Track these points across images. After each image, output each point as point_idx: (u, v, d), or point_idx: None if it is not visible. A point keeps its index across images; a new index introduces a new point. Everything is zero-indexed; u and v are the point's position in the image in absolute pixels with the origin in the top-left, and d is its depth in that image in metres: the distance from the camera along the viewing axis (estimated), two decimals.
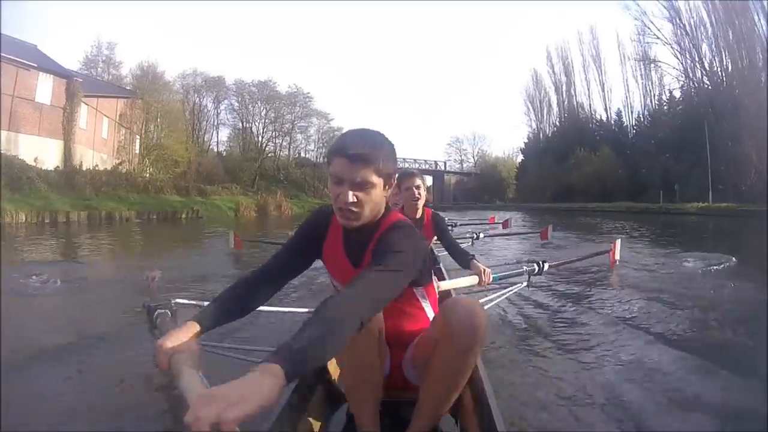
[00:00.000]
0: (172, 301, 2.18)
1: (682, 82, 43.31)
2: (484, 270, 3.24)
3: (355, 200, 1.41)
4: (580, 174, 47.51)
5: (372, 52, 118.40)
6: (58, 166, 25.73)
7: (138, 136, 36.63)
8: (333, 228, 1.62)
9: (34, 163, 23.49)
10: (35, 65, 25.14)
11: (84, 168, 26.93)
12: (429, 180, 72.76)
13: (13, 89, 23.70)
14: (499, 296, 3.50)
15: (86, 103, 29.26)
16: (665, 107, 45.89)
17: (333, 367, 1.98)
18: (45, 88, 26.13)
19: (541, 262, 3.69)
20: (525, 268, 3.67)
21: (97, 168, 27.92)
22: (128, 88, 38.70)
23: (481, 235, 7.83)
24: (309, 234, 1.66)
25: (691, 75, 42.13)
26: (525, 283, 3.67)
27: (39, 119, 25.55)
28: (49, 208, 20.31)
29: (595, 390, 2.50)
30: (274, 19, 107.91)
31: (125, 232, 16.36)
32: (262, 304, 1.61)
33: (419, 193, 3.48)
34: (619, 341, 3.37)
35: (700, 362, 2.85)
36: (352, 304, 1.19)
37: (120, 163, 30.36)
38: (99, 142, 31.29)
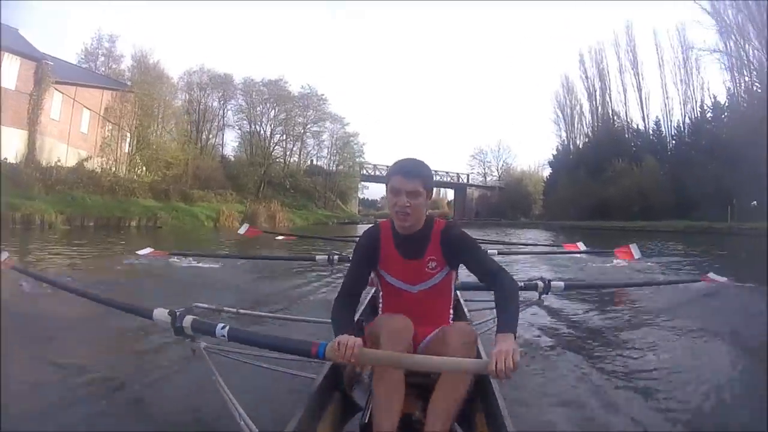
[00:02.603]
0: (193, 305, 2.55)
1: (729, 87, 38.86)
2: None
3: (409, 204, 2.00)
4: (618, 188, 42.25)
5: (392, 55, 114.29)
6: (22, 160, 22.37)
7: (128, 133, 32.87)
8: (384, 237, 2.17)
9: None
10: None
11: (45, 164, 23.36)
12: (450, 193, 68.95)
13: None
14: None
15: (60, 91, 25.68)
16: (709, 114, 40.89)
17: (348, 377, 2.11)
18: (11, 72, 22.75)
19: (548, 281, 3.65)
20: (538, 284, 3.62)
21: (58, 164, 24.13)
22: (120, 80, 35.16)
23: (493, 250, 7.25)
24: (365, 252, 2.17)
25: (738, 79, 37.93)
26: (536, 301, 3.72)
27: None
28: None
29: (609, 411, 2.52)
30: (290, 18, 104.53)
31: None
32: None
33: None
34: (639, 366, 3.28)
35: None
36: (512, 280, 1.99)
37: (86, 159, 26.43)
38: (76, 137, 27.66)
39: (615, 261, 8.23)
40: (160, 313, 2.11)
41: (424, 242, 2.10)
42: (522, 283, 3.57)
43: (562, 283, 3.79)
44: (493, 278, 2.00)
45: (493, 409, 1.81)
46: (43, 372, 2.90)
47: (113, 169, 29.30)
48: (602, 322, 4.68)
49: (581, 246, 8.80)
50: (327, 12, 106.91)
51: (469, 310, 3.50)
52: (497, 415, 1.73)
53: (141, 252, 7.16)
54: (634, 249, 7.20)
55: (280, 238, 13.27)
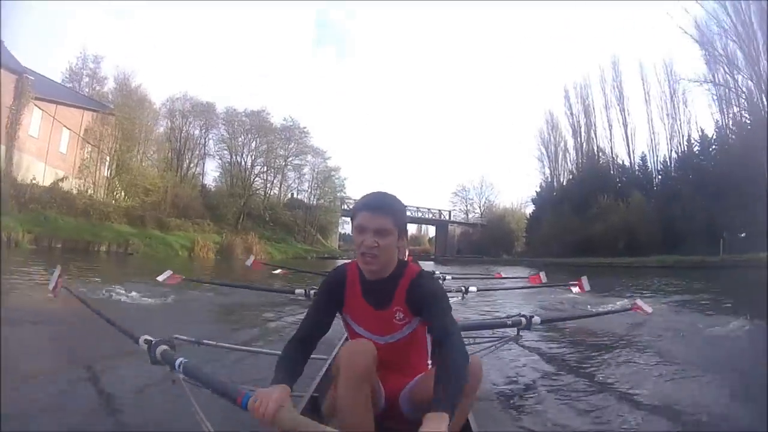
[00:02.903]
0: (173, 336, 2.43)
1: (717, 119, 39.48)
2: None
3: (376, 245, 1.78)
4: (604, 224, 42.13)
5: (375, 91, 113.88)
6: None
7: (108, 156, 31.69)
8: (350, 282, 1.95)
9: None
10: None
11: (21, 180, 22.16)
12: (431, 230, 68.45)
13: None
14: (487, 349, 3.66)
15: (40, 108, 24.69)
16: (696, 148, 41.30)
17: (327, 410, 2.01)
18: None
19: (529, 316, 3.66)
20: (513, 321, 3.65)
21: (34, 182, 22.85)
22: (103, 102, 34.05)
23: (472, 289, 7.71)
24: (330, 292, 1.97)
25: (726, 110, 38.59)
26: (513, 336, 3.76)
27: None
28: None
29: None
30: (273, 51, 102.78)
31: None
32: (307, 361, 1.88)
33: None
34: (610, 405, 3.24)
35: None
36: (464, 354, 1.63)
37: (61, 180, 25.26)
38: (55, 156, 26.56)
39: (573, 292, 8.40)
40: (143, 341, 2.19)
41: (391, 293, 1.89)
42: (511, 320, 3.76)
43: (539, 318, 3.84)
44: (444, 341, 1.67)
45: None
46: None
47: (89, 191, 28.21)
48: (572, 354, 4.93)
49: (543, 277, 9.28)
50: (311, 47, 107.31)
51: None
52: None
53: (161, 278, 7.05)
54: (585, 282, 7.72)
55: (277, 272, 12.79)
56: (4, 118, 22.00)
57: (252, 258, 8.89)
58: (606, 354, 4.77)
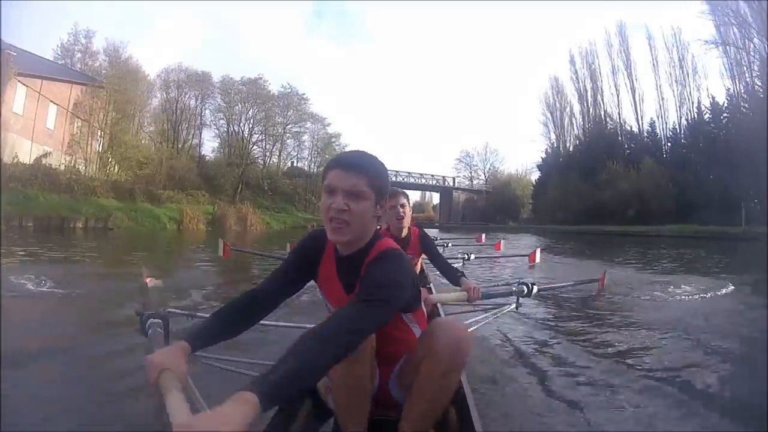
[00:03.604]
0: (166, 310, 2.20)
1: (728, 87, 38.12)
2: (473, 288, 3.13)
3: (346, 208, 1.50)
4: (614, 191, 41.06)
5: (377, 55, 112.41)
6: None
7: (99, 131, 31.54)
8: (328, 252, 1.71)
9: None
10: None
11: (8, 161, 22.05)
12: (436, 197, 67.67)
13: None
14: (487, 317, 3.57)
15: (25, 84, 24.41)
16: (707, 115, 40.13)
17: (321, 382, 1.79)
18: None
19: (530, 284, 3.65)
20: (514, 289, 3.63)
21: (16, 160, 22.75)
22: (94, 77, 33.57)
23: (472, 256, 7.66)
24: (304, 255, 1.74)
25: (737, 78, 37.37)
26: (513, 305, 3.67)
27: None
28: None
29: (582, 414, 2.54)
30: (271, 16, 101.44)
31: None
32: (255, 324, 1.66)
33: (404, 212, 3.82)
34: (601, 367, 3.35)
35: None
36: (331, 341, 1.23)
37: (44, 156, 25.01)
38: (42, 133, 26.31)
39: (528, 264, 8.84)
40: (136, 313, 2.13)
41: (359, 270, 1.57)
42: (515, 287, 3.68)
43: (536, 288, 3.81)
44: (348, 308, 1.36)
45: (463, 409, 1.84)
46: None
47: (77, 166, 27.95)
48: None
49: (502, 246, 10.18)
50: (310, 11, 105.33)
51: (447, 314, 3.62)
52: (467, 416, 1.77)
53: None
54: (538, 254, 8.38)
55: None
56: None
57: (221, 244, 7.80)
58: (608, 324, 4.72)
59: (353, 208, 1.50)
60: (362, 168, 1.52)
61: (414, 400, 1.54)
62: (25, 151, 24.17)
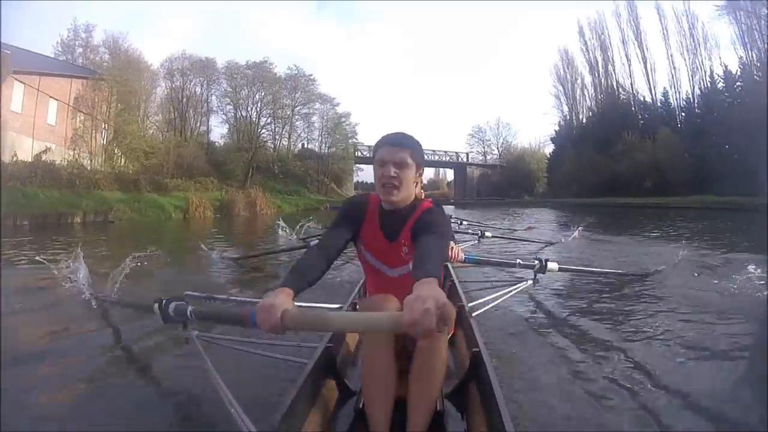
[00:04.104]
0: (184, 293, 2.57)
1: (741, 56, 37.00)
2: (454, 248, 3.35)
3: (395, 175, 1.92)
4: (630, 163, 40.38)
5: (384, 31, 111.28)
6: None
7: (103, 123, 31.62)
8: (370, 211, 2.08)
9: None
10: None
11: (7, 159, 22.18)
12: (450, 174, 67.21)
13: None
14: (505, 293, 3.56)
15: (22, 81, 24.47)
16: (720, 84, 39.15)
17: (341, 361, 2.15)
18: None
19: (544, 260, 3.79)
20: (528, 263, 3.80)
21: (16, 159, 22.89)
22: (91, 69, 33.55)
23: (488, 234, 7.61)
24: (348, 216, 2.06)
25: (749, 46, 36.20)
26: (531, 281, 3.75)
27: None
28: None
29: (602, 389, 2.54)
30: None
31: None
32: (326, 272, 1.89)
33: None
34: (627, 341, 3.35)
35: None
36: (433, 259, 1.60)
37: (44, 152, 24.91)
38: (43, 130, 26.35)
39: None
40: (154, 305, 2.15)
41: (403, 223, 2.02)
42: (519, 260, 3.97)
43: (556, 264, 3.92)
44: (421, 260, 1.62)
45: (485, 384, 1.83)
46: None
47: (81, 161, 27.90)
48: (591, 305, 4.63)
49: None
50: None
51: (465, 291, 3.60)
52: (489, 390, 1.75)
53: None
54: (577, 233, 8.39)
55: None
56: None
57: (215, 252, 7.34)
58: (627, 308, 4.47)
59: (400, 175, 1.92)
60: (407, 144, 1.96)
61: (412, 373, 1.74)
62: (26, 149, 24.25)
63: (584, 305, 4.59)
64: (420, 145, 2.02)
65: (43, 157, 24.30)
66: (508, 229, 12.30)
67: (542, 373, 2.76)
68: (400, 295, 1.52)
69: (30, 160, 23.63)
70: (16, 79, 23.94)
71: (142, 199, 26.09)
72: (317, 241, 2.01)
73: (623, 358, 3.03)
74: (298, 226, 10.88)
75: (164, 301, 2.10)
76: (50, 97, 27.01)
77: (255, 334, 2.59)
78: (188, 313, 1.98)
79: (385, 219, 2.03)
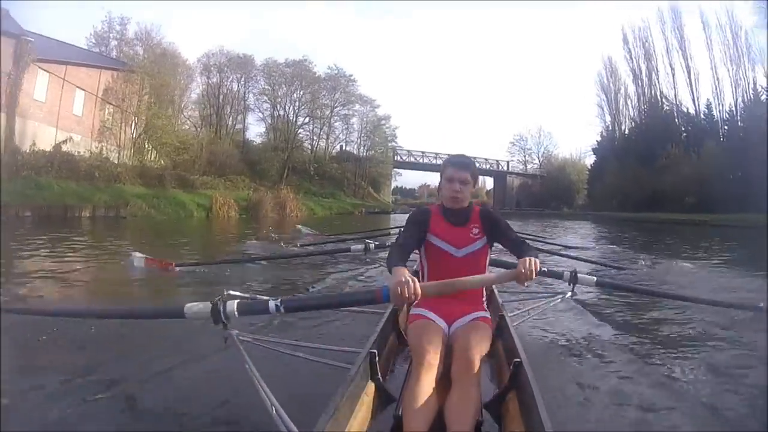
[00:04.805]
0: (226, 293, 2.28)
1: None
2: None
3: (460, 190, 2.42)
4: (675, 177, 38.13)
5: (427, 35, 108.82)
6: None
7: (133, 117, 30.87)
8: (435, 214, 2.52)
9: None
10: None
11: (26, 149, 21.47)
12: (489, 182, 65.36)
13: None
14: (544, 304, 3.67)
15: (47, 70, 23.77)
16: (763, 96, 36.60)
17: (383, 367, 2.14)
18: None
19: (574, 272, 3.78)
20: (561, 274, 3.80)
21: (35, 149, 22.01)
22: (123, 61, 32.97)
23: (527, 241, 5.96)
24: (417, 222, 2.49)
25: None
26: (569, 293, 3.77)
27: None
28: None
29: (643, 407, 2.50)
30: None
31: None
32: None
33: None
34: (673, 360, 3.25)
35: None
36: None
37: (64, 142, 23.91)
38: (68, 120, 25.60)
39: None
40: (193, 307, 2.18)
41: (467, 215, 2.50)
42: (545, 269, 3.91)
43: (593, 278, 3.98)
44: (520, 248, 2.35)
45: (526, 395, 1.82)
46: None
47: (107, 153, 27.07)
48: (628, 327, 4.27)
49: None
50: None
51: (505, 302, 3.45)
52: (530, 401, 1.73)
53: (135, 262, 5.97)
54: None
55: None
56: (4, 84, 21.26)
57: (137, 257, 5.88)
58: (675, 328, 4.17)
59: (464, 190, 2.44)
60: (468, 167, 2.49)
61: (454, 389, 1.92)
62: (48, 139, 23.49)
63: (627, 321, 4.51)
64: (475, 165, 2.58)
65: (64, 148, 23.44)
66: (561, 245, 11.25)
67: (583, 387, 2.71)
68: (464, 272, 2.22)
69: (49, 149, 22.76)
70: (40, 68, 23.23)
71: (163, 196, 24.99)
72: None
73: (667, 376, 2.94)
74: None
75: (218, 300, 2.10)
76: (77, 87, 26.32)
77: (296, 337, 2.99)
78: (275, 306, 2.02)
79: (449, 213, 2.49)
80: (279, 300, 2.02)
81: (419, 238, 2.45)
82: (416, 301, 2.07)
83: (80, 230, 14.06)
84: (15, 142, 21.39)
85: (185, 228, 18.51)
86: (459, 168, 2.44)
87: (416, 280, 1.84)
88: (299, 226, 12.02)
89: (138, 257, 5.98)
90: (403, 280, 1.82)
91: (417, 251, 2.52)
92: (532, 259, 2.05)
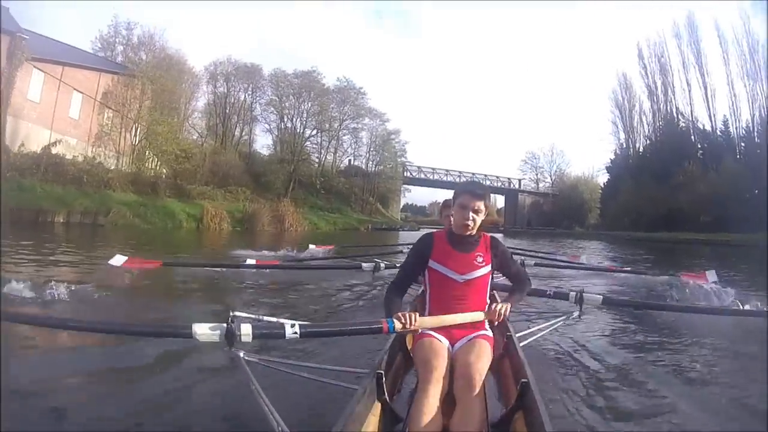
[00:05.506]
0: (232, 314, 2.22)
1: None
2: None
3: (473, 218, 2.38)
4: (691, 196, 37.13)
5: (439, 51, 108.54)
6: None
7: (134, 122, 30.00)
8: (438, 240, 2.50)
9: None
10: None
11: (16, 149, 20.60)
12: (501, 200, 64.28)
13: None
14: (551, 324, 3.54)
15: (42, 70, 22.97)
16: None
17: (389, 388, 2.08)
18: None
19: (580, 293, 3.59)
20: (567, 295, 3.66)
21: (23, 150, 21.08)
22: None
23: (529, 262, 7.42)
24: (419, 252, 2.50)
25: None
26: (576, 313, 3.61)
27: None
28: None
29: (658, 428, 2.49)
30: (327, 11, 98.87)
31: None
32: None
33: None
34: (682, 382, 3.23)
35: None
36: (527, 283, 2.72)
37: (55, 143, 22.94)
38: (64, 122, 24.83)
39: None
40: (202, 328, 2.03)
41: (474, 242, 2.48)
42: (551, 291, 3.84)
43: (600, 297, 3.77)
44: (520, 279, 2.71)
45: (533, 416, 1.81)
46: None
47: (99, 158, 25.96)
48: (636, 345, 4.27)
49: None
50: (371, 10, 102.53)
51: (512, 321, 3.40)
52: (537, 421, 1.73)
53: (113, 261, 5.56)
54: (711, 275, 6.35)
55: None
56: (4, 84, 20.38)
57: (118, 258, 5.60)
58: (684, 348, 4.10)
59: (476, 218, 2.39)
60: (482, 195, 2.42)
61: (458, 411, 1.90)
62: (42, 141, 22.55)
63: (636, 340, 4.42)
64: (490, 193, 2.58)
65: (54, 150, 22.46)
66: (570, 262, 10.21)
67: (590, 409, 2.66)
68: (461, 300, 2.38)
69: (38, 151, 21.81)
70: (34, 66, 22.41)
71: (152, 204, 23.94)
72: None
73: (677, 398, 2.88)
74: None
75: (232, 323, 2.01)
76: (74, 89, 25.49)
77: (302, 357, 3.00)
78: (290, 332, 2.07)
79: (455, 240, 2.46)
80: (296, 325, 2.06)
81: (421, 267, 2.49)
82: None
83: (44, 237, 12.72)
84: (5, 142, 20.48)
85: (170, 239, 17.52)
86: (474, 197, 2.42)
87: (416, 314, 2.20)
88: (312, 246, 10.74)
89: (118, 257, 5.64)
90: (403, 315, 2.16)
91: (421, 276, 2.53)
92: (505, 305, 2.39)
